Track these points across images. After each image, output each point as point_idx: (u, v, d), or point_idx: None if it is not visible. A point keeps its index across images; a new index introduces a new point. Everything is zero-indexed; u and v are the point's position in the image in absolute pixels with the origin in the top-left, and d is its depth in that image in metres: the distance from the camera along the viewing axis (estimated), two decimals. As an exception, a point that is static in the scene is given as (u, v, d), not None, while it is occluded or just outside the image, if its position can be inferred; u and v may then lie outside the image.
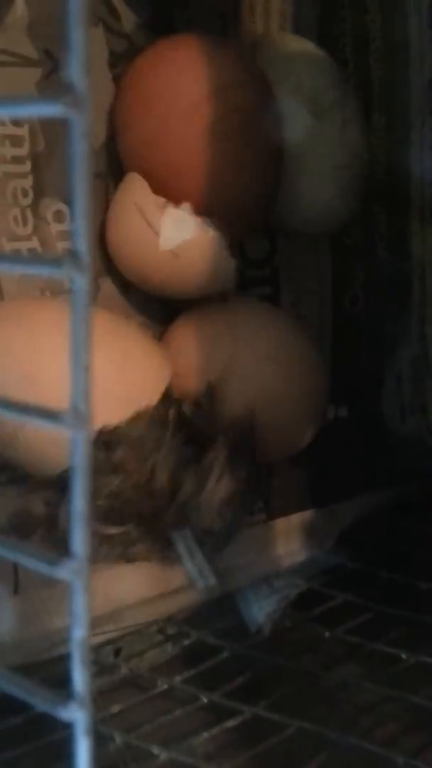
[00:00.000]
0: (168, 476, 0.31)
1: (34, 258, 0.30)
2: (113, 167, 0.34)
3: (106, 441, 0.29)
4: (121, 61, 0.34)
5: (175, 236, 0.31)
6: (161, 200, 0.31)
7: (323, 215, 0.37)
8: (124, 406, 0.29)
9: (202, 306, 0.34)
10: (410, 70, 0.43)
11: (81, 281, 0.13)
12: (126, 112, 0.32)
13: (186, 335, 0.34)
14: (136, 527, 0.31)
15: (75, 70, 0.12)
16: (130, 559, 0.32)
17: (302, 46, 0.37)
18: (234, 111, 0.31)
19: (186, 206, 0.31)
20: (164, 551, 0.32)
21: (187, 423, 0.32)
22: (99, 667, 0.31)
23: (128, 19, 0.34)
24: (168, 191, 0.31)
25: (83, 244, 0.13)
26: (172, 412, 0.31)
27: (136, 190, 0.32)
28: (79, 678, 0.14)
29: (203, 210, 0.32)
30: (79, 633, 0.14)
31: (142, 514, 0.31)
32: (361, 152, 0.37)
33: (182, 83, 0.31)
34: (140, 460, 0.30)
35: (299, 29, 0.39)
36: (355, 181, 0.37)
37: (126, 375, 0.30)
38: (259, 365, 0.34)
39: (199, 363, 0.33)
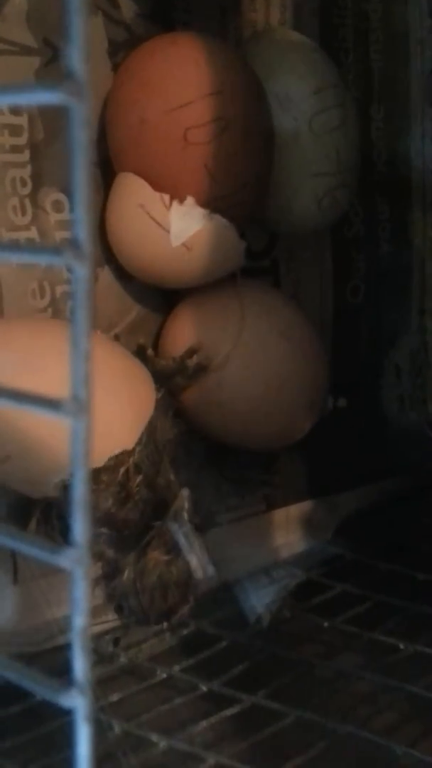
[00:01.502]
0: (142, 480, 0.31)
1: (34, 246, 0.30)
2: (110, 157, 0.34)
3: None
4: (121, 50, 0.34)
5: (185, 230, 0.31)
6: (165, 197, 0.31)
7: (299, 220, 0.36)
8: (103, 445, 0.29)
9: (208, 287, 0.34)
10: (410, 60, 0.43)
11: (81, 270, 0.13)
12: (114, 107, 0.32)
13: (193, 314, 0.35)
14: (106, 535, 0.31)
15: (75, 58, 0.12)
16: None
17: (299, 46, 0.37)
18: (217, 119, 0.31)
19: (189, 200, 0.31)
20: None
21: (159, 374, 0.33)
22: (98, 657, 0.31)
23: (128, 9, 0.34)
24: (155, 189, 0.31)
25: (83, 232, 0.13)
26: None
27: (137, 190, 0.32)
28: (80, 665, 0.14)
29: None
30: (79, 621, 0.14)
31: (115, 523, 0.31)
32: (348, 159, 0.36)
33: (169, 85, 0.31)
34: (111, 471, 0.30)
35: (300, 19, 0.39)
36: (337, 189, 0.36)
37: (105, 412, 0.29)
38: (268, 342, 0.34)
39: (208, 340, 0.34)
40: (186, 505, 0.31)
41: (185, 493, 0.31)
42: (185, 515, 0.31)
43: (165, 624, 0.31)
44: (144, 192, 0.31)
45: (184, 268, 0.32)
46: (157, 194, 0.31)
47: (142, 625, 0.31)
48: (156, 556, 0.30)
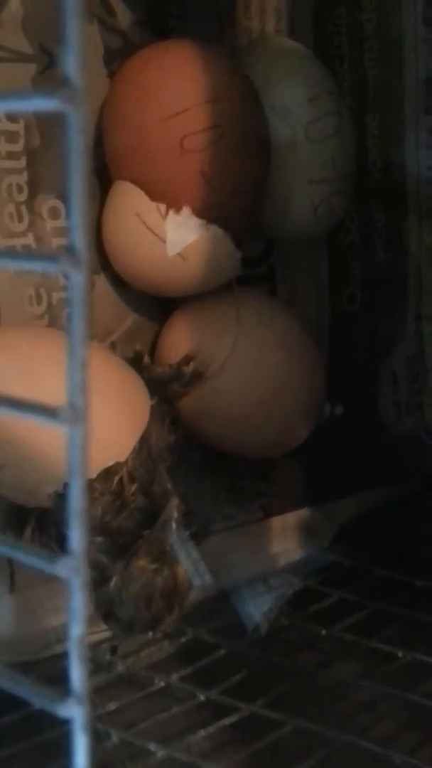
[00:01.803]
0: (137, 488, 0.31)
1: (31, 253, 0.30)
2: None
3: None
4: (117, 57, 0.34)
5: (181, 240, 0.31)
6: (162, 206, 0.31)
7: (296, 227, 0.36)
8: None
9: (205, 295, 0.34)
10: (405, 68, 0.43)
11: (78, 277, 0.13)
12: (110, 115, 0.32)
13: (189, 322, 0.35)
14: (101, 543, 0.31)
15: (71, 65, 0.12)
16: None
17: (294, 54, 0.37)
18: (214, 126, 0.31)
19: (186, 210, 0.31)
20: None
21: (155, 381, 0.33)
22: (96, 665, 0.31)
23: (123, 16, 0.34)
24: (152, 196, 0.31)
25: (80, 239, 0.13)
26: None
27: (133, 198, 0.32)
28: (77, 674, 0.14)
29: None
30: (76, 630, 0.14)
31: (109, 531, 0.31)
32: (344, 166, 0.36)
33: (165, 93, 0.31)
34: (104, 480, 0.30)
35: (295, 27, 0.39)
36: (333, 196, 0.36)
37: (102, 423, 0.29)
38: (265, 350, 0.34)
39: (205, 347, 0.33)
40: (175, 515, 0.31)
41: (174, 502, 0.31)
42: (173, 525, 0.31)
43: (150, 634, 0.31)
44: (140, 201, 0.31)
45: (179, 277, 0.32)
46: (154, 204, 0.31)
47: (127, 634, 0.31)
48: (142, 564, 0.30)
